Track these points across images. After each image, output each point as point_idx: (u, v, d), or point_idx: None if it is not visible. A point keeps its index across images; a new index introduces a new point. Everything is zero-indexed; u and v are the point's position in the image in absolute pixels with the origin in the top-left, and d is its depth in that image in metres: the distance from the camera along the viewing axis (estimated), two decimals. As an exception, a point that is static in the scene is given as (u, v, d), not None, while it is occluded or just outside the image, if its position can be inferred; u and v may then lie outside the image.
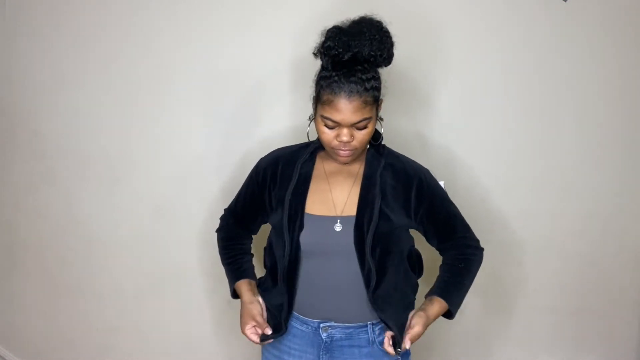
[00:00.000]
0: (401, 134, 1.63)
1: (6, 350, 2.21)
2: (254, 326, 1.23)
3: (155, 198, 1.85)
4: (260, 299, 1.31)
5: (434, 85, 1.62)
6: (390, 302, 1.23)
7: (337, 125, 1.16)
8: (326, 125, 1.17)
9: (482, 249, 1.34)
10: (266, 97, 1.70)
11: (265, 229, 1.40)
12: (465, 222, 1.34)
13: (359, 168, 1.28)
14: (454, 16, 1.58)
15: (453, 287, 1.28)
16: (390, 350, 1.18)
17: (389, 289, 1.23)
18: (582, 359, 1.75)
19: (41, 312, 2.09)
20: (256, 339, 1.22)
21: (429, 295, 1.27)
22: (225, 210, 1.46)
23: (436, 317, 1.26)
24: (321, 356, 1.27)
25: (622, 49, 1.55)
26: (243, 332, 1.24)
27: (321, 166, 1.30)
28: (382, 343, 1.26)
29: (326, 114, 1.16)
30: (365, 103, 1.14)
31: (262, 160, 1.37)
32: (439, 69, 1.61)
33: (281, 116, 1.69)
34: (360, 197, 1.24)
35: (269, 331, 1.24)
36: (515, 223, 1.67)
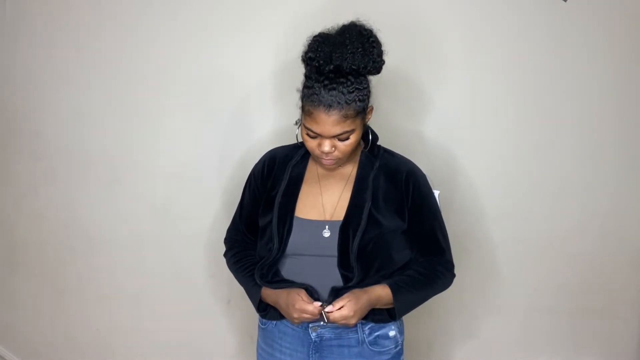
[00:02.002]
0: (400, 133, 1.63)
1: (6, 350, 2.21)
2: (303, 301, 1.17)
3: (155, 198, 1.85)
4: None
5: (433, 85, 1.62)
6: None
7: (318, 135, 1.15)
8: (308, 135, 1.17)
9: (453, 275, 1.32)
10: (266, 97, 1.70)
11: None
12: (446, 242, 1.31)
13: (351, 171, 1.27)
14: (453, 16, 1.58)
15: (406, 288, 1.23)
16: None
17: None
18: (582, 359, 1.74)
19: (41, 312, 2.09)
20: (312, 308, 1.16)
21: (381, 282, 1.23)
22: (227, 232, 1.44)
23: (375, 301, 1.20)
24: (311, 355, 1.28)
25: (621, 49, 1.55)
26: (298, 308, 1.16)
27: (314, 168, 1.30)
28: (371, 343, 1.27)
29: (307, 125, 1.15)
30: (346, 117, 1.12)
31: (257, 164, 1.37)
32: (438, 68, 1.61)
33: (281, 116, 1.69)
34: (350, 202, 1.23)
35: (318, 303, 1.17)
36: (515, 223, 1.67)
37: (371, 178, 1.24)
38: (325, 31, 1.17)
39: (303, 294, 1.19)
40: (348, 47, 1.12)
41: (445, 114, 1.63)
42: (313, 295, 1.21)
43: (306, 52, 1.16)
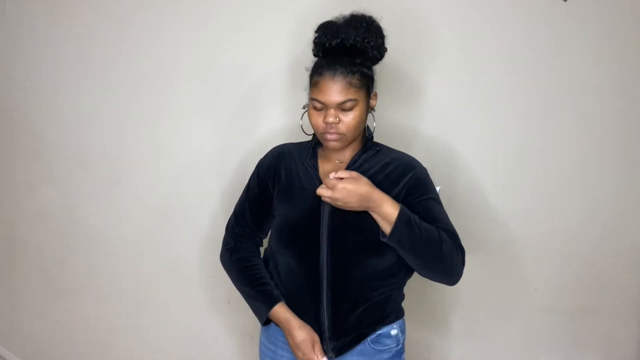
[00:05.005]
0: (400, 132, 1.63)
1: (6, 350, 2.21)
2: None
3: (155, 198, 1.85)
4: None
5: (433, 83, 1.62)
6: (345, 294, 1.23)
7: (324, 106, 1.18)
8: (315, 108, 1.20)
9: (463, 252, 1.24)
10: (266, 97, 1.70)
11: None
12: (452, 229, 1.25)
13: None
14: (453, 14, 1.58)
15: (414, 219, 1.16)
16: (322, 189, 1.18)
17: (351, 284, 1.23)
18: (582, 359, 1.74)
19: (41, 312, 2.09)
20: None
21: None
22: (228, 227, 1.40)
23: (376, 198, 1.15)
24: None
25: (622, 49, 1.55)
26: (311, 357, 1.23)
27: (321, 167, 1.30)
28: (373, 341, 1.27)
29: (313, 96, 1.20)
30: (350, 84, 1.17)
31: (264, 158, 1.37)
32: (438, 66, 1.61)
33: (281, 115, 1.69)
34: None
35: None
36: (515, 222, 1.67)
37: (368, 170, 1.25)
38: (331, 19, 1.24)
39: (318, 348, 1.24)
40: (352, 24, 1.20)
41: (445, 113, 1.63)
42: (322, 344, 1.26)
43: (315, 32, 1.24)
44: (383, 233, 1.18)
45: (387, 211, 1.16)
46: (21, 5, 1.88)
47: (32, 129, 1.95)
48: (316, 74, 1.20)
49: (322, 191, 1.17)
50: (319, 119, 1.20)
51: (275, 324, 1.30)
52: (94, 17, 1.79)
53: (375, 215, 1.18)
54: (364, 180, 1.18)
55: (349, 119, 1.19)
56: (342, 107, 1.17)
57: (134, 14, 1.75)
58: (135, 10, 1.75)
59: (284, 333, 1.28)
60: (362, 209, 1.18)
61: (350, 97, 1.17)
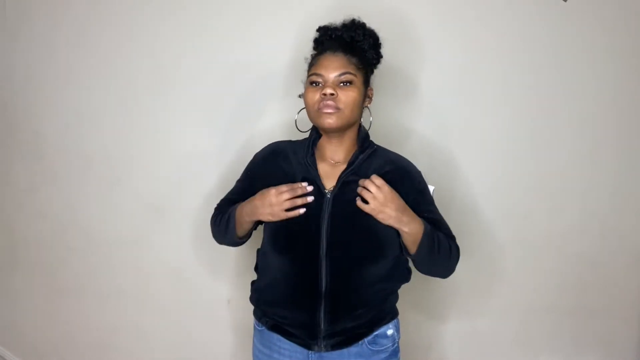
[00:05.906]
0: (399, 133, 1.63)
1: (6, 350, 2.21)
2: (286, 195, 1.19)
3: (156, 198, 1.85)
4: None
5: (431, 84, 1.62)
6: (341, 295, 1.22)
7: (321, 81, 1.20)
8: (312, 83, 1.21)
9: (459, 251, 1.29)
10: (265, 97, 1.70)
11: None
12: (452, 232, 1.29)
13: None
14: (451, 15, 1.59)
15: (433, 233, 1.22)
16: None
17: (349, 290, 1.22)
18: (582, 359, 1.74)
19: (41, 312, 2.09)
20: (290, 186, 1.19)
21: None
22: (217, 205, 1.44)
23: (408, 216, 1.18)
24: (310, 356, 1.28)
25: (620, 49, 1.56)
26: (275, 192, 1.20)
27: (319, 167, 1.30)
28: (370, 342, 1.28)
29: (312, 71, 1.22)
30: (350, 62, 1.21)
31: (259, 152, 1.36)
32: (436, 67, 1.61)
33: (281, 115, 1.69)
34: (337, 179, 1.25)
35: (308, 187, 1.21)
36: (515, 222, 1.67)
37: (368, 171, 1.25)
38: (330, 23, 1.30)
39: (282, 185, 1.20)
40: (349, 26, 1.26)
41: (443, 113, 1.64)
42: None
43: (317, 31, 1.29)
44: (406, 249, 1.22)
45: (416, 228, 1.19)
46: (21, 5, 1.89)
47: (33, 129, 1.96)
48: (317, 55, 1.24)
49: (367, 183, 1.18)
50: (315, 94, 1.20)
51: (247, 218, 1.27)
52: (94, 16, 1.79)
53: (403, 231, 1.19)
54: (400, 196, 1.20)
55: (345, 95, 1.19)
56: (340, 80, 1.19)
57: (134, 14, 1.75)
58: (136, 10, 1.75)
59: (252, 213, 1.25)
60: (391, 220, 1.17)
61: (350, 70, 1.19)
